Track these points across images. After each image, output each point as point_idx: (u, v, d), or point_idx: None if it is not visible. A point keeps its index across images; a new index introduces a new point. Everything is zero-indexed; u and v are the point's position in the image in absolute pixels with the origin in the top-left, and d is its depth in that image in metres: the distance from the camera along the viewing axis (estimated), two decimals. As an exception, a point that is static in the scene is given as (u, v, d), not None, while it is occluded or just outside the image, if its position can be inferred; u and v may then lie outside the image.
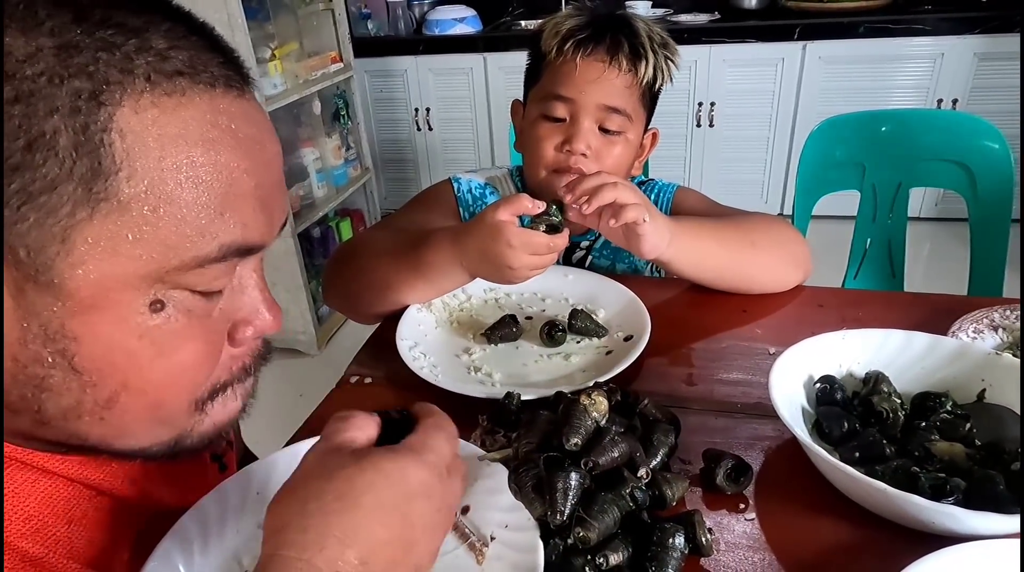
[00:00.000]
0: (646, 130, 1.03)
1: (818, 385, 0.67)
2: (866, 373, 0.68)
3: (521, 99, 1.07)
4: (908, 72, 2.71)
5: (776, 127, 2.91)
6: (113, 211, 0.36)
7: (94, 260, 0.37)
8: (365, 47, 3.03)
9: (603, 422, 0.60)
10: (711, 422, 0.70)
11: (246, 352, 0.49)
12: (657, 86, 0.99)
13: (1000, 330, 0.78)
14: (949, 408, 0.63)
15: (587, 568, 0.51)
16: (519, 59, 1.04)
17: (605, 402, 0.61)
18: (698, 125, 2.95)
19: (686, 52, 2.97)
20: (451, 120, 3.21)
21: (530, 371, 0.80)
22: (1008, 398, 0.63)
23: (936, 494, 0.53)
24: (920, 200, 2.89)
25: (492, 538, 0.54)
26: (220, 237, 0.40)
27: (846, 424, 0.62)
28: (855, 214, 1.45)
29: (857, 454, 0.60)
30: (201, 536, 0.55)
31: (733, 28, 2.79)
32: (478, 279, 0.96)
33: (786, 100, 2.84)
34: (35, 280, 0.37)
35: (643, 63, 0.93)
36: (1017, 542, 0.48)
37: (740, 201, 1.03)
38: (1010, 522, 0.49)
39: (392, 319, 0.89)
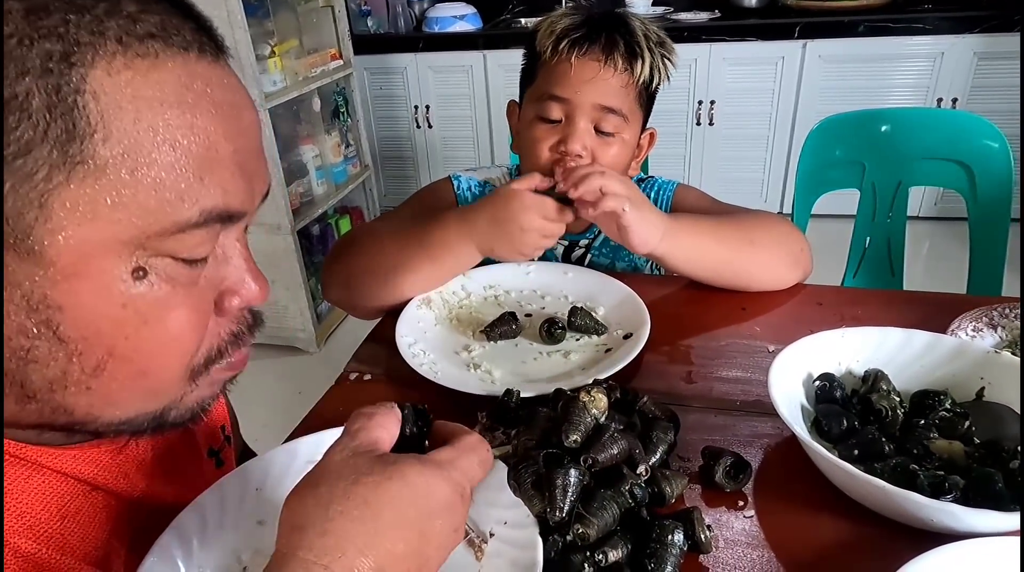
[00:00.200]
0: (644, 130, 1.03)
1: (817, 383, 0.67)
2: (865, 371, 0.68)
3: (517, 99, 1.06)
4: (908, 71, 2.71)
5: (776, 126, 2.91)
6: (90, 174, 0.36)
7: (73, 225, 0.37)
8: (365, 44, 3.03)
9: (602, 419, 0.60)
10: (710, 420, 0.70)
11: (234, 321, 0.48)
12: (654, 85, 0.97)
13: (999, 328, 0.79)
14: (948, 406, 0.63)
15: (586, 565, 0.51)
16: (519, 57, 1.04)
17: (604, 399, 0.61)
18: (698, 123, 2.95)
19: (686, 50, 2.97)
20: (451, 118, 3.21)
21: (529, 368, 0.80)
22: (1007, 396, 0.63)
23: (935, 492, 0.53)
24: (920, 199, 2.89)
25: (491, 535, 0.54)
26: (201, 202, 0.40)
27: (845, 422, 0.62)
28: (855, 213, 1.45)
29: (856, 452, 0.60)
30: (200, 532, 0.55)
31: (733, 26, 2.79)
32: (478, 276, 0.97)
33: (786, 99, 2.84)
34: (15, 249, 0.36)
35: (639, 62, 0.92)
36: (1015, 540, 0.48)
37: (740, 200, 1.03)
38: (1009, 520, 0.49)
39: (391, 316, 0.89)
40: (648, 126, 1.06)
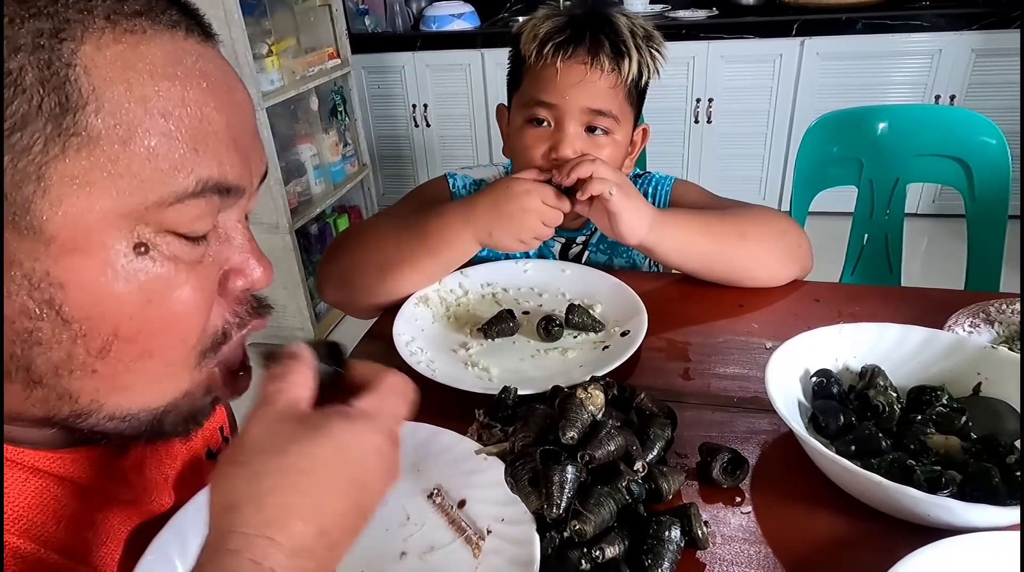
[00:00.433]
0: (636, 126, 1.02)
1: (814, 379, 0.67)
2: (862, 367, 0.69)
3: (506, 103, 1.04)
4: (906, 68, 2.71)
5: (774, 123, 2.91)
6: (84, 146, 0.37)
7: (71, 198, 0.37)
8: (362, 43, 3.03)
9: (599, 416, 0.60)
10: (707, 416, 0.70)
11: (239, 303, 0.48)
12: (643, 82, 0.96)
13: (996, 324, 0.79)
14: (945, 402, 0.64)
15: (583, 561, 0.51)
16: (515, 55, 1.03)
17: (601, 396, 0.61)
18: (696, 121, 2.95)
19: (684, 48, 2.97)
20: (449, 116, 3.20)
21: (527, 366, 0.80)
22: (1004, 392, 0.63)
23: (932, 487, 0.53)
24: (918, 196, 2.89)
25: (488, 532, 0.55)
26: (196, 171, 0.40)
27: (842, 418, 0.62)
28: (852, 210, 1.45)
29: (853, 447, 0.60)
30: (197, 531, 0.54)
31: (731, 24, 2.79)
32: (476, 274, 0.97)
33: (784, 96, 2.84)
34: (14, 225, 0.36)
35: (626, 61, 0.91)
36: (1012, 534, 0.48)
37: (737, 197, 1.03)
38: (1005, 514, 0.49)
39: (389, 314, 0.89)
40: (643, 123, 1.05)
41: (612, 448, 0.57)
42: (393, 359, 0.79)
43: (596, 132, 0.92)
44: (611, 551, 0.51)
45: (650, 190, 1.08)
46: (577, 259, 1.09)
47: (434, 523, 0.57)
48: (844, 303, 0.90)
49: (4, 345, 0.39)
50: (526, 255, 1.03)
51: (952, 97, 2.70)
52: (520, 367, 0.80)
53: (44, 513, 0.45)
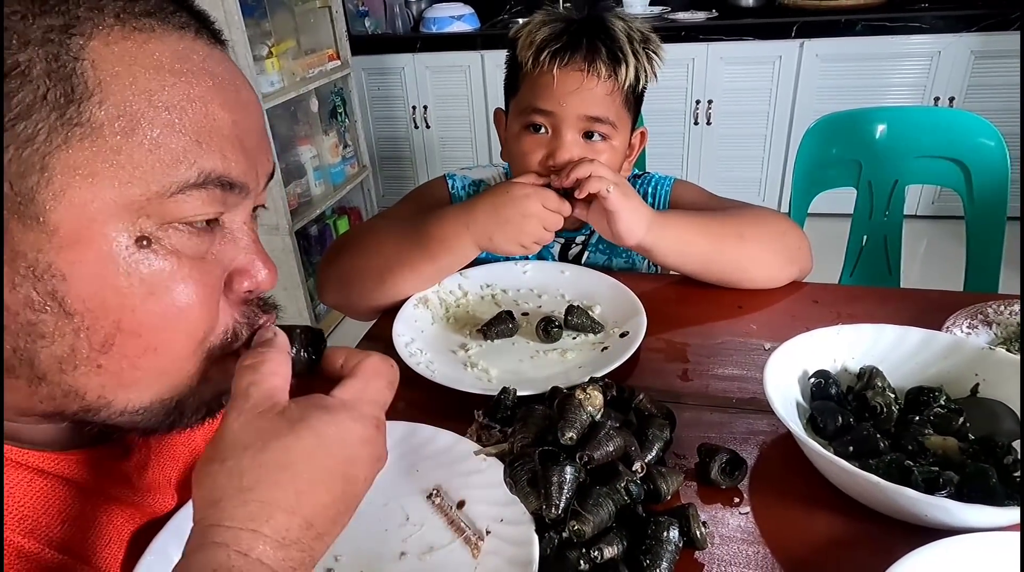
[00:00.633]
0: (634, 129, 1.01)
1: (812, 380, 0.67)
2: (860, 368, 0.69)
3: (503, 107, 1.04)
4: (905, 70, 2.72)
5: (773, 125, 2.91)
6: (87, 136, 0.37)
7: (74, 188, 0.37)
8: (362, 45, 3.03)
9: (598, 417, 0.60)
10: (706, 417, 0.71)
11: (246, 304, 0.48)
12: (640, 87, 0.96)
13: (994, 325, 0.79)
14: (943, 403, 0.64)
15: (582, 561, 0.51)
16: (515, 57, 1.03)
17: (600, 397, 0.61)
18: (695, 123, 2.95)
19: (683, 50, 2.96)
20: (448, 118, 3.20)
21: (526, 367, 0.80)
22: (1001, 393, 0.63)
23: (929, 487, 0.54)
24: (917, 198, 2.89)
25: (488, 532, 0.55)
26: (199, 162, 0.41)
27: (840, 419, 0.63)
28: (851, 212, 1.45)
29: (851, 448, 0.60)
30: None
31: (731, 26, 2.79)
32: (475, 275, 0.97)
33: (783, 98, 2.84)
34: (19, 214, 0.37)
35: (623, 67, 0.90)
36: (1008, 535, 0.48)
37: (737, 198, 1.03)
38: (1002, 515, 0.49)
39: (389, 315, 0.89)
40: (642, 125, 1.05)
41: (611, 449, 0.57)
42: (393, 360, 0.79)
43: (594, 138, 0.92)
44: (610, 551, 0.51)
45: (649, 190, 1.08)
46: (577, 259, 1.09)
47: (433, 524, 0.57)
48: (843, 304, 0.90)
49: (8, 338, 0.39)
50: (525, 257, 1.03)
51: (951, 99, 2.71)
52: (519, 368, 0.80)
53: (49, 513, 0.46)
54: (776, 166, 2.99)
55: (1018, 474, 0.55)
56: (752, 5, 3.00)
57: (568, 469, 0.54)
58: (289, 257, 2.32)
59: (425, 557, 0.54)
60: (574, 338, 0.85)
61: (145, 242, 0.40)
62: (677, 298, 0.95)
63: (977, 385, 0.65)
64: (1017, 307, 0.80)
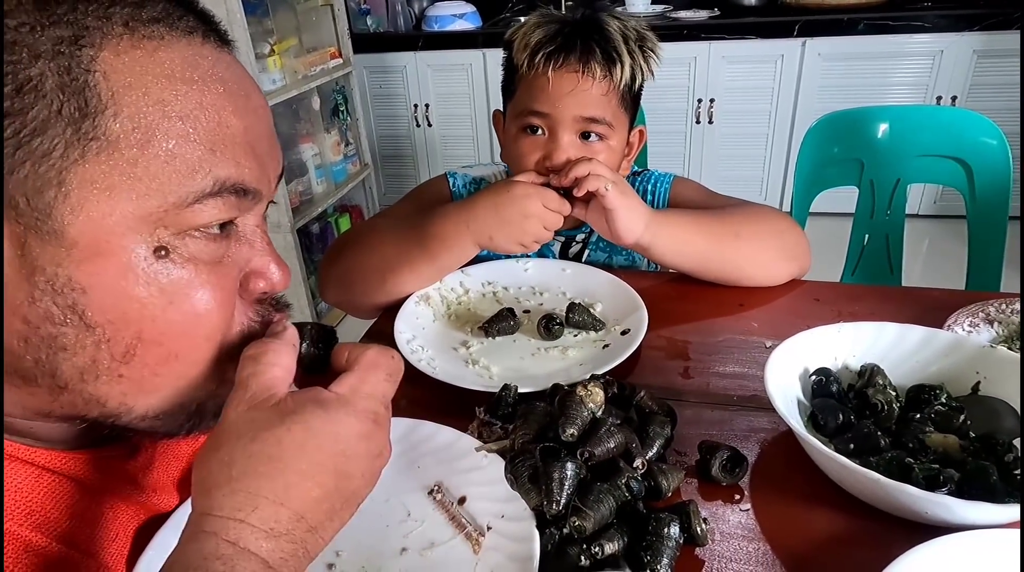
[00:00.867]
0: (632, 128, 1.01)
1: (813, 378, 0.67)
2: (861, 366, 0.69)
3: (502, 109, 1.04)
4: (907, 69, 2.71)
5: (775, 124, 2.91)
6: (103, 150, 0.37)
7: (91, 202, 0.37)
8: (364, 43, 3.03)
9: (599, 413, 0.60)
10: (707, 414, 0.71)
11: (261, 305, 0.48)
12: (637, 86, 0.95)
13: (995, 324, 0.79)
14: (944, 400, 0.64)
15: (583, 557, 0.51)
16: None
17: (601, 393, 0.61)
18: (697, 122, 2.95)
19: (685, 48, 2.96)
20: (450, 116, 3.21)
21: (527, 364, 0.81)
22: (1002, 391, 0.63)
23: (930, 485, 0.54)
24: (919, 197, 2.89)
25: (489, 528, 0.55)
26: (214, 171, 0.41)
27: (841, 416, 0.63)
28: (853, 210, 1.45)
29: (852, 446, 0.60)
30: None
31: (733, 24, 2.79)
32: (476, 272, 0.97)
33: (785, 97, 2.84)
34: (37, 230, 0.37)
35: (618, 67, 0.90)
36: (1008, 532, 0.48)
37: (738, 197, 1.03)
38: (1003, 512, 0.49)
39: (390, 313, 0.89)
40: (645, 125, 1.06)
41: (612, 445, 0.57)
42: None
43: (591, 138, 0.93)
44: (610, 547, 0.51)
45: (649, 187, 1.08)
46: (577, 258, 1.09)
47: (434, 519, 0.57)
48: (844, 303, 0.90)
49: (29, 350, 0.40)
50: (526, 254, 1.03)
51: (953, 98, 2.70)
52: (520, 365, 0.80)
53: (58, 509, 0.46)
54: (778, 165, 2.98)
55: (1019, 472, 0.55)
56: (754, 4, 3.00)
57: (569, 465, 0.54)
58: (291, 255, 2.32)
59: (426, 553, 0.54)
60: (575, 335, 0.85)
61: (163, 252, 0.40)
62: (678, 296, 0.95)
63: (978, 383, 0.65)
64: (1019, 305, 0.80)
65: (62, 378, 0.41)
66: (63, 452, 0.47)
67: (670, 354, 0.82)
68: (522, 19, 0.98)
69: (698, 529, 0.54)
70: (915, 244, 2.70)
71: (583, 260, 1.09)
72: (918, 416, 0.62)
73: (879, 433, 0.60)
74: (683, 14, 2.96)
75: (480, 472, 0.60)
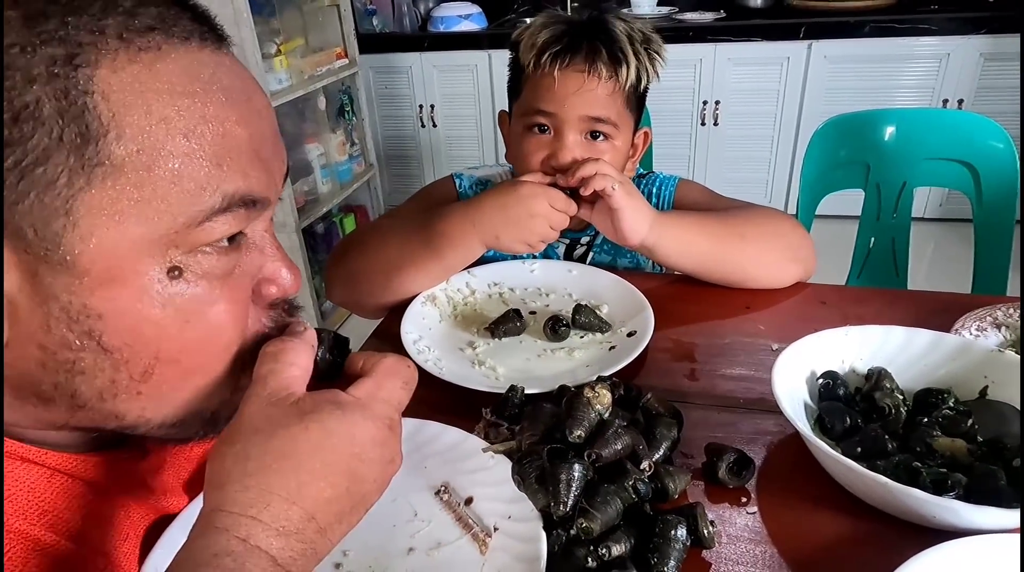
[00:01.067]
0: (637, 129, 1.02)
1: (820, 381, 0.67)
2: (868, 369, 0.69)
3: (507, 109, 1.05)
4: (914, 72, 2.71)
5: (781, 126, 2.90)
6: (109, 175, 0.36)
7: (101, 229, 0.37)
8: (370, 43, 3.03)
9: (606, 415, 0.60)
10: (713, 417, 0.71)
11: (274, 309, 0.48)
12: (642, 87, 0.96)
13: (1003, 328, 0.79)
14: (951, 404, 0.64)
15: (589, 559, 0.51)
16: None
17: (608, 395, 0.61)
18: (703, 124, 2.95)
19: (691, 50, 2.95)
20: (455, 117, 3.21)
21: (534, 366, 0.81)
22: (1010, 395, 0.63)
23: (937, 489, 0.53)
24: (925, 200, 2.88)
25: (495, 529, 0.55)
26: (222, 187, 0.40)
27: (848, 419, 0.63)
28: (859, 213, 1.45)
29: (859, 449, 0.60)
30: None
31: (738, 27, 2.78)
32: (483, 273, 0.98)
33: (791, 99, 2.84)
34: (47, 260, 0.36)
35: (623, 68, 0.91)
36: (1016, 537, 0.48)
37: (744, 199, 1.03)
38: (1010, 517, 0.49)
39: (396, 313, 0.89)
40: (650, 126, 1.06)
41: (619, 447, 0.57)
42: (401, 357, 0.79)
43: (597, 138, 0.93)
44: (617, 549, 0.51)
45: (654, 190, 1.08)
46: (581, 260, 1.09)
47: (441, 520, 0.57)
48: (850, 306, 0.90)
49: (46, 375, 0.40)
50: (533, 255, 1.04)
51: (960, 101, 2.69)
52: (527, 366, 0.80)
53: (70, 509, 0.46)
54: (783, 167, 2.98)
55: (1026, 476, 0.55)
56: (760, 6, 3.00)
57: (576, 467, 0.54)
58: (296, 255, 2.33)
59: (433, 553, 0.54)
60: (581, 337, 0.85)
61: (176, 272, 0.40)
62: (684, 298, 0.95)
63: (986, 387, 0.65)
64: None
65: (81, 399, 0.41)
66: (74, 454, 0.47)
67: (676, 356, 0.82)
68: (527, 20, 0.98)
69: (705, 531, 0.54)
70: (921, 247, 2.69)
71: (588, 262, 1.09)
72: (926, 420, 0.62)
73: (886, 437, 0.60)
74: (689, 16, 2.96)
75: (487, 473, 0.60)
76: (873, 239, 1.45)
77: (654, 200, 1.07)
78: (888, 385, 0.66)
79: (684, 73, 2.84)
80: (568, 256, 1.10)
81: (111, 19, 0.37)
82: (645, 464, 0.57)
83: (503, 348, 0.84)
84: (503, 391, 0.70)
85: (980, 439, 0.60)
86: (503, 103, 1.05)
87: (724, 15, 2.93)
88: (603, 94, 0.91)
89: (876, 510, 0.57)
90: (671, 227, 0.88)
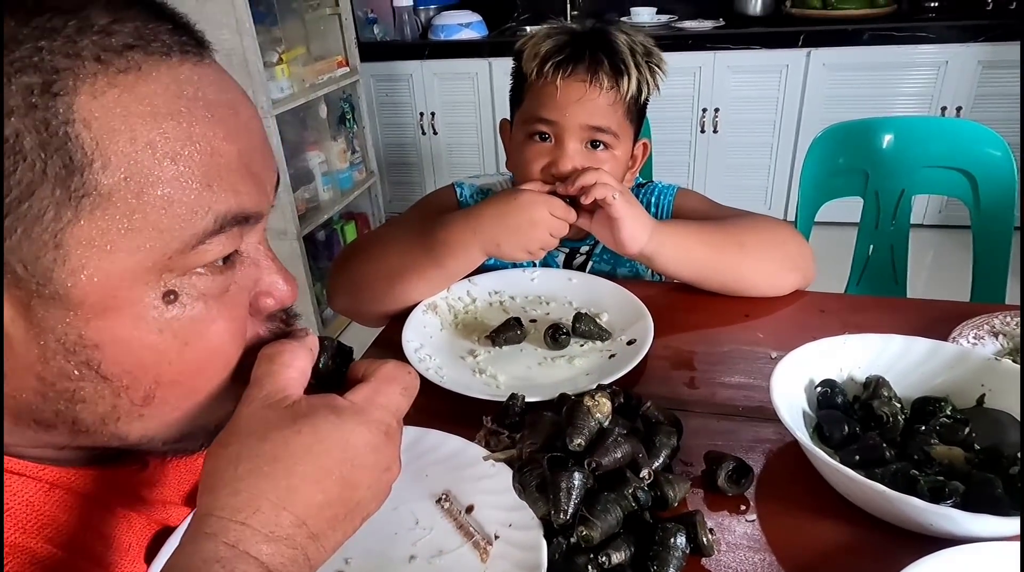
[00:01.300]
0: (637, 140, 1.03)
1: (819, 389, 0.67)
2: (867, 377, 0.69)
3: (509, 118, 1.06)
4: (912, 80, 2.72)
5: (780, 134, 2.91)
6: (97, 206, 0.35)
7: (92, 261, 0.36)
8: (371, 52, 3.05)
9: (606, 423, 0.61)
10: (713, 425, 0.71)
11: (271, 319, 0.48)
12: (643, 98, 0.97)
13: (1000, 336, 0.79)
14: (949, 413, 0.64)
15: (590, 567, 0.51)
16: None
17: (608, 404, 0.61)
18: (702, 131, 2.96)
19: (690, 58, 2.97)
20: (456, 124, 3.22)
21: (534, 374, 0.81)
22: (1007, 403, 0.63)
23: (935, 497, 0.54)
24: (923, 207, 2.89)
25: (496, 537, 0.55)
26: (214, 208, 0.39)
27: (846, 428, 0.63)
28: (858, 221, 1.45)
29: (857, 457, 0.60)
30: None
31: (738, 35, 2.80)
32: (483, 282, 0.98)
33: (790, 107, 2.85)
34: (39, 294, 0.36)
35: (625, 79, 0.92)
36: (1013, 545, 0.48)
37: (743, 207, 1.03)
38: (1007, 525, 0.49)
39: (397, 321, 0.90)
40: (650, 136, 1.06)
41: (619, 455, 0.58)
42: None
43: (597, 147, 0.94)
44: (617, 557, 0.52)
45: (653, 199, 1.09)
46: (581, 269, 1.10)
47: (442, 528, 0.57)
48: (849, 314, 0.90)
49: (47, 405, 0.39)
50: (533, 264, 1.04)
51: (958, 109, 2.71)
52: (527, 374, 0.81)
53: (70, 522, 0.46)
54: (782, 175, 2.99)
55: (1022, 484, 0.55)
56: (759, 14, 3.01)
57: (577, 475, 0.54)
58: (297, 262, 2.33)
59: (434, 561, 0.55)
60: (582, 345, 0.86)
61: (172, 296, 0.39)
62: (684, 306, 0.95)
63: (983, 396, 0.65)
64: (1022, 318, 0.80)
65: (83, 425, 0.41)
66: (73, 469, 0.47)
67: (676, 364, 0.83)
68: (528, 28, 0.99)
69: (704, 539, 0.54)
70: (920, 254, 2.69)
71: (587, 271, 1.09)
72: (923, 428, 0.63)
73: (884, 445, 0.61)
74: (688, 24, 2.97)
75: (488, 481, 0.60)
76: (872, 246, 1.45)
77: (653, 209, 1.08)
78: (886, 393, 0.66)
79: (683, 81, 2.85)
80: (568, 265, 1.11)
81: (87, 39, 0.35)
82: (645, 472, 0.57)
83: (504, 356, 0.85)
84: (504, 399, 0.70)
85: (977, 447, 0.61)
86: (504, 111, 1.06)
87: (723, 23, 2.95)
88: (604, 104, 0.92)
89: (874, 518, 0.57)
90: (670, 236, 0.89)
